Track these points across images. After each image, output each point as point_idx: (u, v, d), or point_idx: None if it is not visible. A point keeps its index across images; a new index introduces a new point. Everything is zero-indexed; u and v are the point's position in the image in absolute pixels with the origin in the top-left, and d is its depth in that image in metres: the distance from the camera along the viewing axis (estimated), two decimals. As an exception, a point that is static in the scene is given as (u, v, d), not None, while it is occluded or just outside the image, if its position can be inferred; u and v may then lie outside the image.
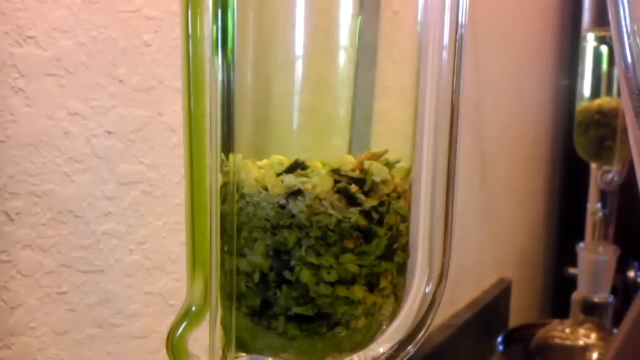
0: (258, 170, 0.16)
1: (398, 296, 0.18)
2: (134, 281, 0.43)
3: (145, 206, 0.43)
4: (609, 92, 0.65)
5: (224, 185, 0.17)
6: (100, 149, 0.40)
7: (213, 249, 0.17)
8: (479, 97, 0.95)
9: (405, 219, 0.18)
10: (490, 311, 1.00)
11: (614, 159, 0.63)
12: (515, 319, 1.07)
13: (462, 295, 0.97)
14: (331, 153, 0.16)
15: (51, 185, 0.37)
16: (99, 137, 0.40)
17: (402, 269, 0.18)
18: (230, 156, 0.16)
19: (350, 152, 0.17)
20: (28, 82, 0.36)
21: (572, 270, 0.93)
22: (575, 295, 0.72)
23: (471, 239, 0.98)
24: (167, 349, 0.18)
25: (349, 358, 0.19)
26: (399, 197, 0.17)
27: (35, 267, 0.37)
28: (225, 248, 0.17)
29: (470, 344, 0.92)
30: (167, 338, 0.18)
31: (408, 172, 0.18)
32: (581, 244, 0.69)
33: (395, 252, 0.18)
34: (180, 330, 0.18)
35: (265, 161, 0.17)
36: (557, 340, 0.67)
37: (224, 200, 0.17)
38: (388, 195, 0.17)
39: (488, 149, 0.99)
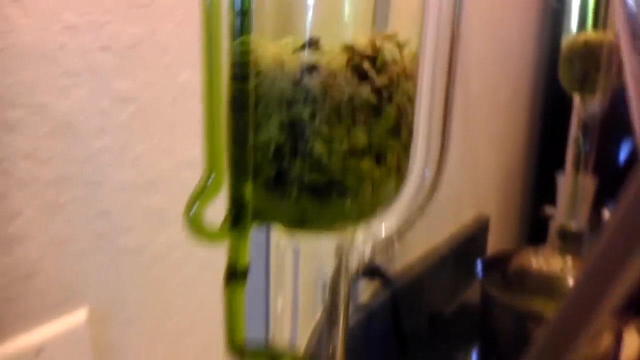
0: (275, 48, 0.17)
1: (402, 172, 0.20)
2: (130, 196, 0.44)
3: (139, 124, 0.44)
4: (595, 26, 0.67)
5: (242, 64, 0.17)
6: (95, 64, 0.40)
7: (225, 126, 0.18)
8: (462, 37, 0.95)
9: (411, 100, 0.19)
10: (468, 245, 1.03)
11: (597, 89, 0.65)
12: (493, 250, 1.10)
13: (441, 229, 0.99)
14: (345, 33, 0.17)
15: (48, 97, 0.38)
16: (94, 52, 0.40)
17: (406, 148, 0.20)
18: (248, 37, 0.17)
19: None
20: (24, -8, 0.36)
21: (549, 211, 0.96)
22: (553, 223, 0.74)
23: (451, 176, 1.00)
24: (186, 221, 0.19)
25: (352, 232, 0.20)
26: (407, 79, 0.18)
27: (34, 178, 0.38)
28: (243, 123, 0.18)
29: (448, 275, 0.95)
30: (185, 211, 0.19)
31: (415, 56, 0.19)
32: (561, 172, 0.71)
33: (402, 130, 0.19)
34: (196, 204, 0.19)
35: (282, 41, 0.17)
36: (534, 266, 0.70)
37: (242, 77, 0.17)
38: (397, 75, 0.18)
39: (471, 89, 1.00)
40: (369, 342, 0.74)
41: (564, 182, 0.70)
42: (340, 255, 0.21)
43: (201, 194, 0.19)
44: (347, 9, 0.17)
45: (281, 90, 0.17)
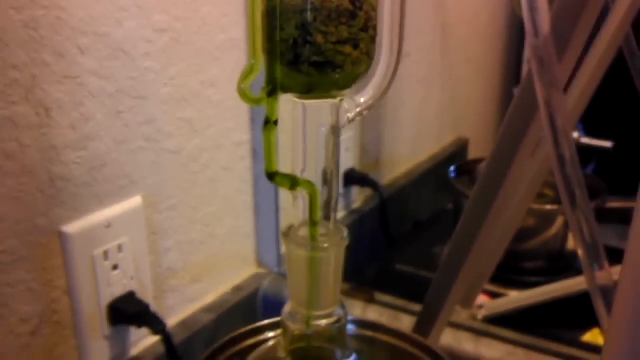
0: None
1: (370, 56, 0.32)
2: (168, 108, 0.56)
3: (173, 49, 0.56)
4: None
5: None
6: (140, 1, 0.52)
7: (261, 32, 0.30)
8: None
9: (374, 8, 0.31)
10: (448, 164, 1.16)
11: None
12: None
13: (423, 150, 1.12)
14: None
15: (107, 28, 0.49)
16: (139, -8, 0.51)
17: (373, 40, 0.31)
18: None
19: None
20: (89, -54, 0.47)
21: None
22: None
23: (433, 101, 1.12)
24: (238, 92, 0.31)
25: (340, 96, 0.32)
26: (371, -5, 0.30)
27: (100, 90, 0.50)
28: (272, 26, 0.30)
29: (430, 189, 1.08)
30: (237, 86, 0.31)
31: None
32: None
33: (369, 28, 0.31)
34: (244, 81, 0.31)
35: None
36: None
37: (271, -2, 0.29)
38: (365, -7, 0.30)
39: (448, 19, 1.11)
40: (361, 239, 0.88)
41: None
42: (334, 112, 0.33)
43: (248, 74, 0.31)
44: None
45: (296, 3, 0.29)
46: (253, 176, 0.68)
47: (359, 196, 0.90)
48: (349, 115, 0.35)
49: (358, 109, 0.35)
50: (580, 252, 0.38)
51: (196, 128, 0.60)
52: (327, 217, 0.35)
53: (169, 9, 0.54)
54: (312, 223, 0.35)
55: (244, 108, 0.65)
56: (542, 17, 0.35)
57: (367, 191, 0.91)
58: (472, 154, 1.26)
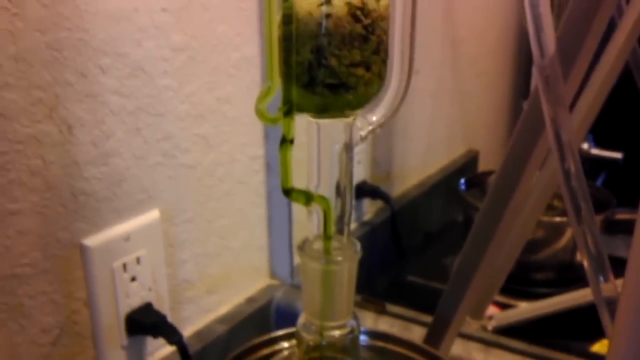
0: (306, 5, 0.30)
1: (382, 77, 0.33)
2: (185, 124, 0.58)
3: (190, 67, 0.57)
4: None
5: (287, 14, 0.31)
6: (158, 22, 0.53)
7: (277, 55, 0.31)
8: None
9: (385, 32, 0.32)
10: (458, 176, 1.17)
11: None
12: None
13: (434, 162, 1.13)
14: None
15: (127, 48, 0.51)
16: (157, 13, 0.53)
17: (384, 62, 0.33)
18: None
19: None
20: (110, -30, 0.48)
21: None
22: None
23: (443, 114, 1.13)
24: (256, 112, 0.32)
25: (353, 116, 0.34)
26: (382, 20, 0.32)
27: (121, 108, 0.52)
28: (288, 50, 0.31)
29: (440, 200, 1.09)
30: (255, 106, 0.33)
31: (387, 6, 0.32)
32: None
33: (380, 51, 0.32)
34: (261, 102, 0.32)
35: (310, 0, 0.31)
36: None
37: (288, 22, 0.31)
38: (376, 17, 0.31)
39: (458, 33, 1.13)
40: (372, 250, 0.89)
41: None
42: (347, 131, 0.35)
43: (265, 96, 0.32)
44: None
45: (310, 29, 0.31)
46: (267, 190, 0.70)
47: (370, 208, 0.92)
48: (361, 133, 0.36)
49: (370, 127, 0.36)
50: (585, 264, 0.40)
51: (212, 143, 0.61)
52: (340, 231, 0.37)
53: (185, 28, 0.56)
54: (326, 237, 0.36)
55: (258, 124, 0.66)
56: (548, 38, 0.36)
57: (379, 203, 0.92)
58: (482, 166, 1.27)
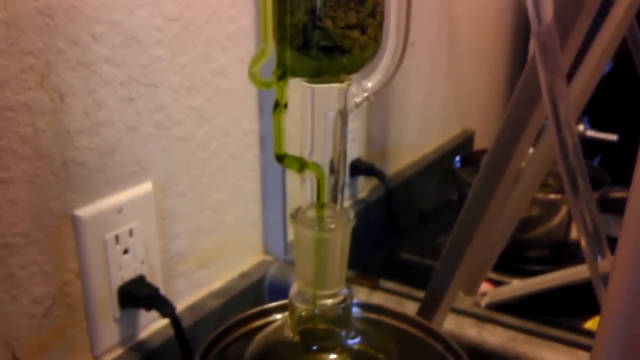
0: (301, -35, 0.30)
1: (378, 41, 0.33)
2: (178, 96, 0.57)
3: (184, 38, 0.57)
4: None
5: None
6: (152, -10, 0.53)
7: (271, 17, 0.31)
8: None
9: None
10: (453, 156, 1.17)
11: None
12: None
13: (429, 142, 1.13)
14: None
15: (120, 16, 0.50)
16: (151, -19, 0.52)
17: (380, 26, 0.32)
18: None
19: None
20: None
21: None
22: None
23: (439, 94, 1.13)
24: (249, 76, 0.32)
25: (348, 81, 0.33)
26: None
27: (113, 78, 0.51)
28: (283, 11, 0.31)
29: (435, 181, 1.09)
30: (249, 70, 0.32)
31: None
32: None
33: (377, 13, 0.32)
34: (255, 65, 0.32)
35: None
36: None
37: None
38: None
39: (455, 12, 1.12)
40: (367, 228, 0.89)
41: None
42: (341, 96, 0.34)
43: (258, 59, 0.32)
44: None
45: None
46: (261, 164, 0.69)
47: (365, 186, 0.91)
48: (356, 99, 0.36)
49: (365, 94, 0.36)
50: (582, 240, 0.39)
51: (205, 116, 0.61)
52: (334, 200, 0.36)
53: (179, -2, 0.55)
54: (320, 205, 0.36)
55: (252, 97, 0.66)
56: (546, 5, 0.35)
57: (373, 181, 0.92)
58: (478, 146, 1.26)
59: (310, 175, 0.35)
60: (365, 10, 0.31)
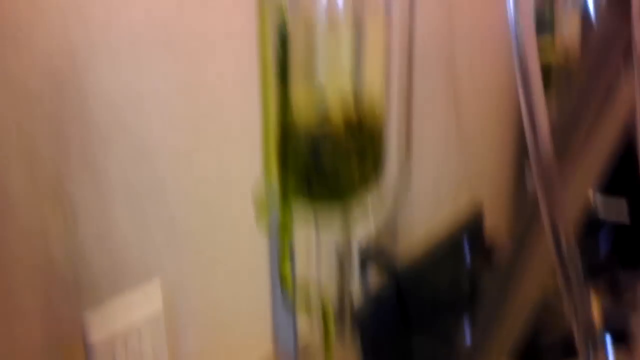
0: (303, 101, 0.31)
1: (379, 170, 0.34)
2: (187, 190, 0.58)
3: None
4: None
5: (285, 109, 0.31)
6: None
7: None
8: (451, 40, 1.08)
9: (380, 127, 0.33)
10: (464, 230, 1.16)
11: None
12: (489, 235, 1.23)
13: (439, 215, 1.13)
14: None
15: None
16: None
17: (380, 155, 0.33)
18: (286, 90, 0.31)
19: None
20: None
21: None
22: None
23: (448, 165, 1.13)
24: (257, 223, 0.33)
25: (354, 211, 0.34)
26: (376, 117, 0.32)
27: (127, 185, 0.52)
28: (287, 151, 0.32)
29: (448, 258, 1.08)
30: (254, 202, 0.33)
31: (382, 117, 0.33)
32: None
33: (376, 146, 0.32)
34: (261, 209, 0.33)
35: (303, 97, 0.31)
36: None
37: (285, 121, 0.31)
38: (373, 128, 0.32)
39: (461, 86, 1.13)
40: (376, 319, 0.88)
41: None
42: (347, 229, 0.35)
43: (265, 202, 0.32)
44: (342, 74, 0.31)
45: (306, 132, 0.32)
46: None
47: (373, 273, 0.91)
48: (362, 229, 0.36)
49: (371, 224, 0.37)
50: (576, 337, 0.39)
51: (217, 217, 0.61)
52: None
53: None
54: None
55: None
56: (544, 137, 0.36)
57: (382, 267, 0.92)
58: (488, 217, 1.26)
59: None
60: (366, 158, 0.32)
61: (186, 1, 0.54)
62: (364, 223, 0.35)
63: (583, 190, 0.51)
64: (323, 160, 0.31)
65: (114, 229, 0.52)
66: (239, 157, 0.63)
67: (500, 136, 1.36)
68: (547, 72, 0.79)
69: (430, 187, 1.08)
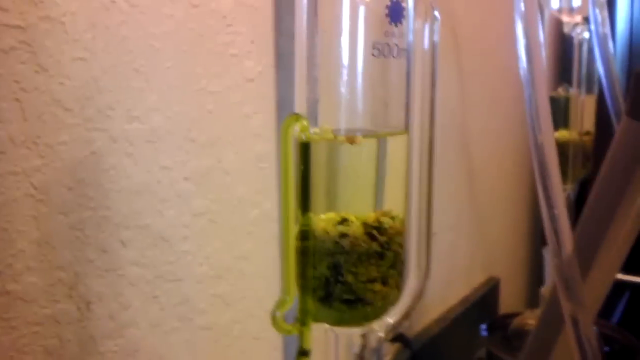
0: (323, 222, 0.31)
1: (399, 288, 0.33)
2: (202, 286, 0.58)
3: (209, 230, 0.58)
4: (565, 125, 0.80)
5: (304, 231, 0.31)
6: (180, 190, 0.55)
7: (293, 267, 0.32)
8: (465, 120, 1.09)
9: (401, 245, 0.32)
10: (480, 306, 1.15)
11: (567, 180, 0.79)
12: (504, 311, 1.21)
13: (454, 293, 1.11)
14: (362, 212, 0.31)
15: (149, 219, 0.52)
16: (179, 182, 0.54)
17: (401, 273, 0.33)
18: (308, 215, 0.31)
19: (374, 207, 0.31)
20: (135, 148, 0.50)
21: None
22: (543, 290, 0.86)
23: (462, 243, 1.13)
24: (272, 321, 0.32)
25: (371, 324, 0.34)
26: (398, 234, 0.32)
27: (139, 279, 0.52)
28: (305, 264, 0.31)
29: (462, 335, 1.06)
30: (271, 317, 0.33)
31: (403, 220, 0.32)
32: (546, 248, 0.84)
33: (397, 264, 0.32)
34: (278, 312, 0.32)
35: (324, 216, 0.31)
36: (530, 327, 0.82)
37: (305, 238, 0.31)
38: (392, 234, 0.31)
39: (474, 164, 1.14)
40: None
41: (549, 256, 0.82)
42: (364, 338, 0.34)
43: (281, 307, 0.32)
44: (363, 198, 0.30)
45: (327, 247, 0.31)
46: (284, 343, 0.68)
47: (389, 349, 0.89)
48: (379, 334, 0.36)
49: (387, 329, 0.36)
50: None
51: (228, 302, 0.61)
52: None
53: (207, 194, 0.57)
54: None
55: (275, 277, 0.66)
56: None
57: (397, 345, 0.90)
58: (504, 293, 1.24)
59: None
60: (386, 264, 0.32)
61: (211, 106, 0.56)
62: (381, 328, 0.35)
63: (605, 280, 0.51)
64: (344, 268, 0.31)
65: (128, 312, 0.51)
66: (255, 249, 0.63)
67: (516, 212, 1.35)
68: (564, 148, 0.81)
69: (444, 267, 1.07)
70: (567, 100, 0.79)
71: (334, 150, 0.31)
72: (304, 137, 0.29)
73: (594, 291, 0.50)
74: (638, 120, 0.35)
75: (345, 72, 0.29)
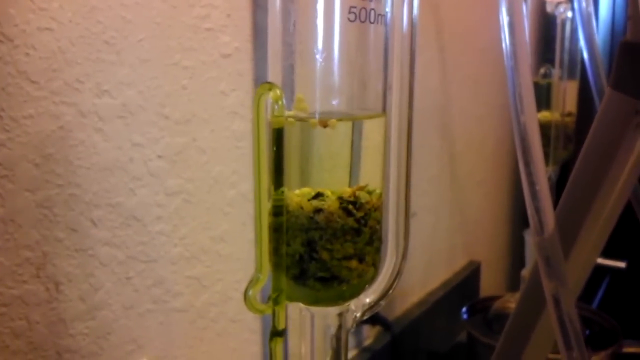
0: (297, 197, 0.30)
1: (376, 266, 0.32)
2: (177, 268, 0.56)
3: (184, 210, 0.56)
4: (547, 107, 0.80)
5: (278, 206, 0.30)
6: (153, 169, 0.53)
7: (266, 244, 0.30)
8: (447, 102, 1.09)
9: (379, 222, 0.31)
10: (460, 289, 1.14)
11: (549, 162, 0.78)
12: (484, 294, 1.21)
13: (435, 276, 1.11)
14: (337, 187, 0.30)
15: (120, 198, 0.50)
16: (153, 160, 0.53)
17: (378, 250, 0.32)
18: (281, 189, 0.29)
19: (349, 184, 0.30)
20: (105, 124, 0.48)
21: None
22: (524, 272, 0.86)
23: (443, 227, 1.12)
24: (245, 301, 0.31)
25: (347, 304, 0.32)
26: (375, 210, 0.31)
27: (111, 259, 0.50)
28: (279, 241, 0.30)
29: (443, 318, 1.06)
30: (244, 295, 0.31)
31: (380, 195, 0.31)
32: (528, 230, 0.83)
33: (374, 241, 0.31)
34: (250, 290, 0.31)
35: (298, 191, 0.30)
36: (511, 310, 0.81)
37: (278, 214, 0.30)
38: (369, 209, 0.30)
39: (456, 147, 1.13)
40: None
41: (529, 239, 0.81)
42: (340, 317, 0.33)
43: (254, 285, 0.31)
44: (338, 174, 0.29)
45: (301, 222, 0.30)
46: (262, 325, 0.67)
47: (370, 332, 0.89)
48: (356, 314, 0.35)
49: (363, 309, 0.35)
50: None
51: (205, 284, 0.60)
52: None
53: (181, 172, 0.56)
54: None
55: (253, 259, 0.65)
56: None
57: (378, 327, 0.89)
58: (484, 276, 1.24)
59: None
60: (362, 241, 0.31)
61: (185, 81, 0.54)
62: (358, 308, 0.34)
63: (587, 260, 0.50)
64: (319, 245, 0.30)
65: (99, 293, 0.50)
66: (232, 231, 0.62)
67: (497, 196, 1.35)
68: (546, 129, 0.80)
69: (425, 249, 1.06)
70: (549, 83, 0.78)
71: (307, 133, 0.30)
72: (276, 121, 0.27)
73: (576, 272, 0.49)
74: (622, 92, 0.34)
75: (320, 37, 0.28)
